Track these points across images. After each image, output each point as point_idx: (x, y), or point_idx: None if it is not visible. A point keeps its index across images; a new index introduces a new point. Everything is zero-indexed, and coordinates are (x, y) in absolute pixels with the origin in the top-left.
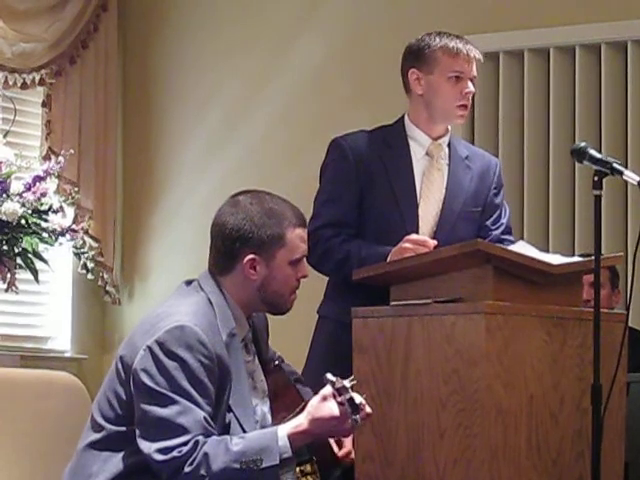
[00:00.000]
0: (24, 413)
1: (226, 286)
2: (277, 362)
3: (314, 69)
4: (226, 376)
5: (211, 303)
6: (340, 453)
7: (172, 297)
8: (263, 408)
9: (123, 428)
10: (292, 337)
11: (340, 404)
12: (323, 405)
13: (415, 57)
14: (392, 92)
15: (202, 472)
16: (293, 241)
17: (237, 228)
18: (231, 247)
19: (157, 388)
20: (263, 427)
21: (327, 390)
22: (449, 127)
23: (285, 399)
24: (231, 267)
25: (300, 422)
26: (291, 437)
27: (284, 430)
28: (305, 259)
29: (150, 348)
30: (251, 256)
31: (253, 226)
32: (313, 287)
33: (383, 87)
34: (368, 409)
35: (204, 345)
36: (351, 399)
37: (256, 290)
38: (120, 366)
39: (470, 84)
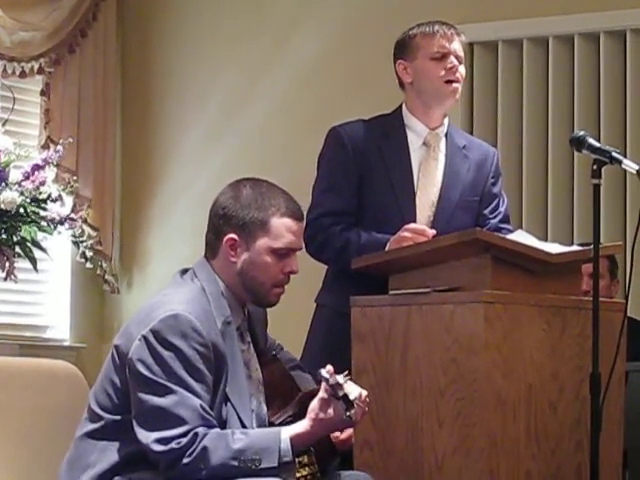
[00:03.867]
0: (23, 402)
1: (217, 270)
2: (274, 352)
3: (312, 59)
4: (222, 364)
5: (205, 291)
6: (342, 436)
7: (167, 287)
8: (259, 397)
9: (120, 417)
10: (290, 326)
11: (336, 399)
12: (323, 407)
13: (400, 49)
14: (389, 83)
15: (200, 465)
16: (277, 229)
17: (223, 206)
18: (216, 225)
19: (153, 377)
20: (258, 416)
21: (324, 391)
22: (446, 116)
23: (281, 390)
24: (216, 248)
25: (303, 425)
26: (293, 440)
27: (287, 433)
28: (295, 254)
29: (145, 337)
30: (232, 236)
31: (238, 206)
32: (311, 276)
33: (381, 78)
34: (362, 402)
35: (199, 333)
36: (345, 396)
37: (237, 274)
38: (116, 355)
39: (454, 59)
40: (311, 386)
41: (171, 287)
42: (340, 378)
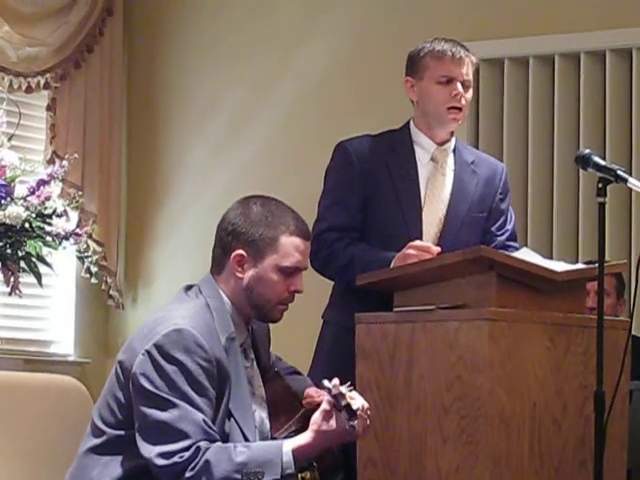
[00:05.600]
0: (27, 417)
1: (222, 285)
2: (277, 369)
3: (318, 75)
4: (225, 380)
5: (209, 307)
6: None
7: (171, 302)
8: (262, 414)
9: (123, 432)
10: (297, 342)
11: (339, 410)
12: (325, 419)
13: (409, 66)
14: (396, 99)
15: (203, 479)
16: (286, 247)
17: (232, 222)
18: (225, 240)
19: (157, 392)
20: (261, 433)
21: (327, 403)
22: (454, 132)
23: (284, 407)
24: (223, 263)
25: (305, 437)
26: (296, 452)
27: (289, 445)
28: (302, 272)
29: (149, 352)
30: (240, 252)
31: (248, 223)
32: (318, 292)
33: (387, 94)
34: (364, 413)
35: (202, 348)
36: (347, 406)
37: (243, 290)
38: (120, 371)
39: (459, 86)
40: (309, 387)
41: (175, 302)
42: (343, 388)
